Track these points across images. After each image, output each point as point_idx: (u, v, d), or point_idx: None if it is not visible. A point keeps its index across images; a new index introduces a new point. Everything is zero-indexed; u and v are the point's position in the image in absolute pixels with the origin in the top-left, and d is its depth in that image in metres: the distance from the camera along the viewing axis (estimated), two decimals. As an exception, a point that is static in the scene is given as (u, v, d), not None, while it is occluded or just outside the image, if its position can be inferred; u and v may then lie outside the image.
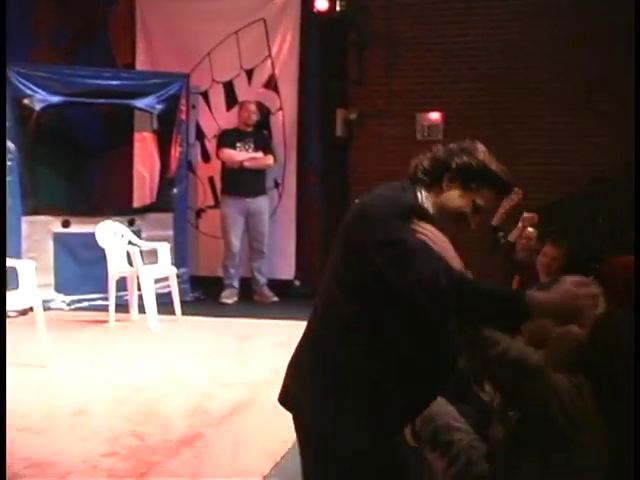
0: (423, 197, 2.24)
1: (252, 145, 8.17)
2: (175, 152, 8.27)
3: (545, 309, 2.08)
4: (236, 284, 8.26)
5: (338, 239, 2.24)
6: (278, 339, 6.15)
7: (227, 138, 8.21)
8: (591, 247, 6.75)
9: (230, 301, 8.17)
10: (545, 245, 5.23)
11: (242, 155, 8.10)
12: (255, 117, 8.27)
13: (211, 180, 8.78)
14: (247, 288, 8.33)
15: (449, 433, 2.93)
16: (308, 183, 8.77)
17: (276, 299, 8.25)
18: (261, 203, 8.23)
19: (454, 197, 2.24)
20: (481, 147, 2.32)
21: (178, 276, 7.37)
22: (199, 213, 8.89)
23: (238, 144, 8.14)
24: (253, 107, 8.30)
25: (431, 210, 2.22)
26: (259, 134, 8.34)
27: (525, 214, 6.78)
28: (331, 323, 2.22)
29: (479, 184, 2.25)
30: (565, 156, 8.92)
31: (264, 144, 8.28)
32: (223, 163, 8.25)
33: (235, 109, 8.53)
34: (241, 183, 8.08)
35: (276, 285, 8.42)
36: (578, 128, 8.93)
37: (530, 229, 6.59)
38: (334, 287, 2.22)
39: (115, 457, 3.52)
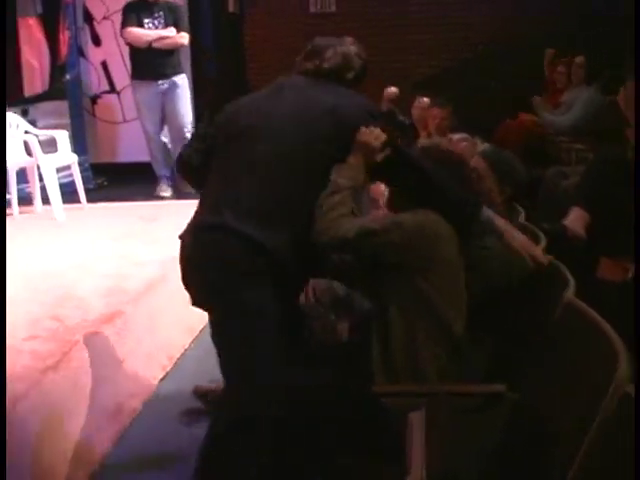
0: None
1: (162, 21, 7.34)
2: (64, 37, 8.02)
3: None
4: (168, 173, 7.61)
5: None
6: (181, 220, 6.23)
7: (132, 15, 7.34)
8: (485, 108, 7.12)
9: (167, 194, 7.58)
10: (433, 108, 6.13)
11: (151, 34, 7.32)
12: None
13: (104, 64, 8.60)
14: (150, 172, 8.28)
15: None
16: (203, 61, 8.68)
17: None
18: (178, 83, 7.50)
19: None
20: None
21: (79, 164, 7.28)
22: (94, 99, 8.73)
23: (146, 20, 7.30)
24: None
25: None
26: (171, 6, 7.49)
27: (387, 90, 7.03)
28: None
29: None
30: (455, 23, 9.06)
31: (177, 18, 7.43)
32: (129, 44, 7.49)
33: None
34: (151, 64, 7.31)
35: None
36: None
37: (425, 99, 6.80)
38: None
39: (37, 340, 3.59)
